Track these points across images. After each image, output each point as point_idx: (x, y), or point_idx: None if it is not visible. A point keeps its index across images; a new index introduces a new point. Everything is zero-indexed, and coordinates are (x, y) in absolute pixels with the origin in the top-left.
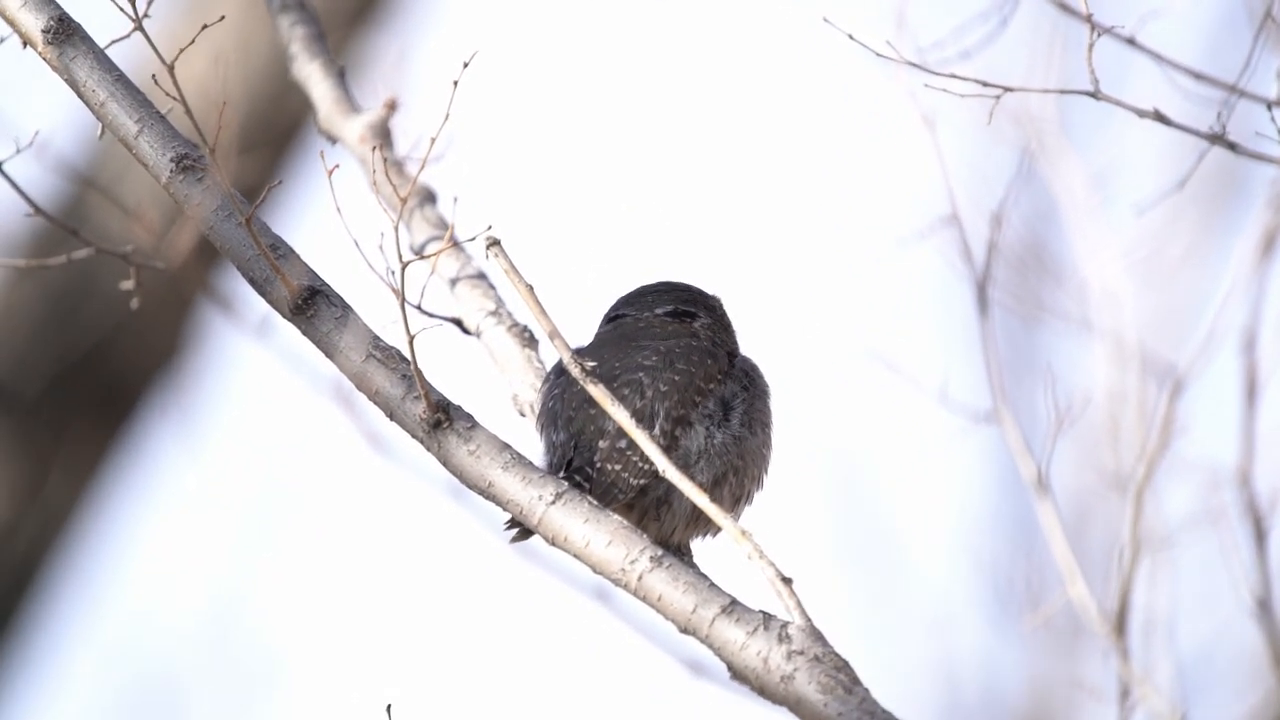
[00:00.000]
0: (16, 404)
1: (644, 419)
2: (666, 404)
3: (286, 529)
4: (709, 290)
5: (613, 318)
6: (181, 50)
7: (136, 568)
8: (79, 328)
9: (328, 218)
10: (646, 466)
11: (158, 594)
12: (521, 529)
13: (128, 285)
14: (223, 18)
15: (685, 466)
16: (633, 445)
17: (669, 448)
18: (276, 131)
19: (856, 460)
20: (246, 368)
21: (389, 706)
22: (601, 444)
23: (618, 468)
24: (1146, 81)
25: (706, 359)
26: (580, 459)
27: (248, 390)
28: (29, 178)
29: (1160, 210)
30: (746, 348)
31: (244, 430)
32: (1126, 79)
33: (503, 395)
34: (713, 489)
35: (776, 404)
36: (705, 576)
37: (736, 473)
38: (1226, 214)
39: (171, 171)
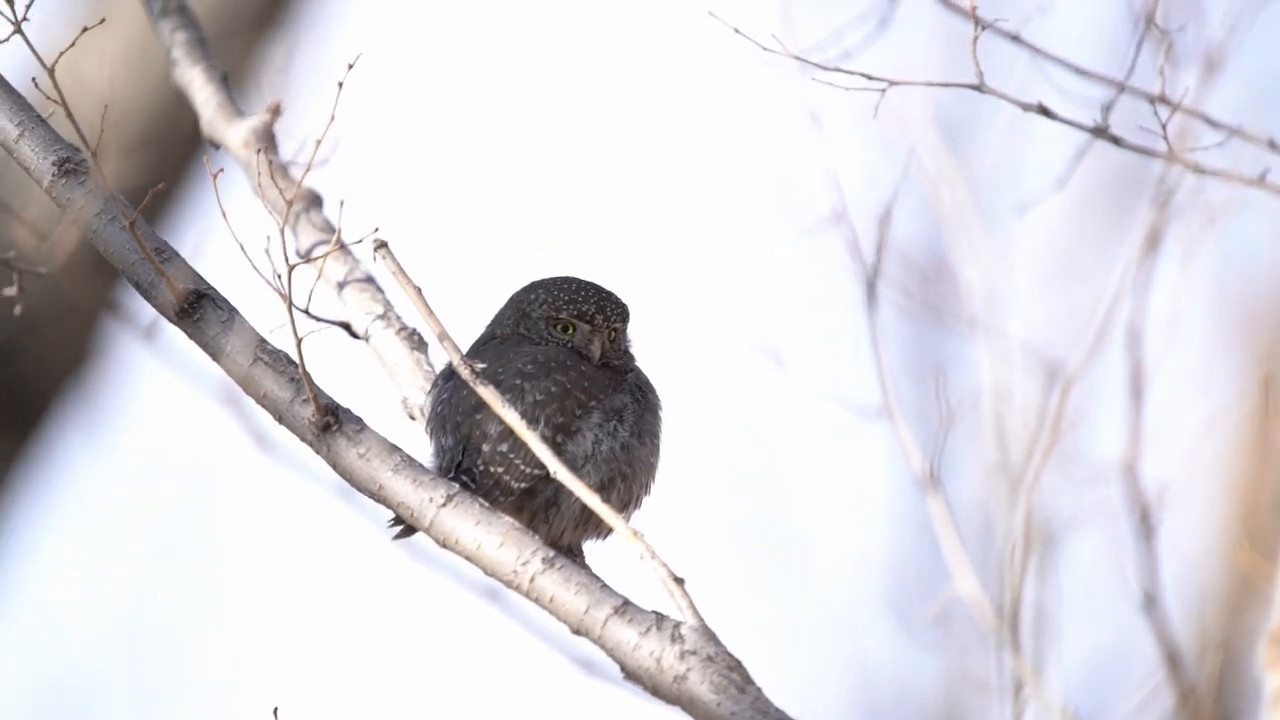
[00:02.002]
0: None
1: (526, 423)
2: (546, 411)
3: (187, 534)
4: (610, 291)
5: (502, 318)
6: (61, 53)
7: (45, 573)
8: None
9: (215, 222)
10: (528, 469)
11: (67, 599)
12: (405, 526)
13: (10, 291)
14: (103, 20)
15: (573, 470)
16: (515, 448)
17: (554, 452)
18: (172, 136)
19: (754, 459)
20: (148, 372)
21: (275, 710)
22: (484, 447)
23: (499, 470)
24: (1035, 81)
25: (584, 376)
26: (468, 461)
27: (150, 394)
28: None
29: (1067, 212)
30: (643, 354)
31: (146, 435)
32: (1019, 80)
33: (392, 398)
34: (600, 493)
35: (670, 417)
36: (597, 578)
37: (624, 479)
38: (1131, 216)
39: (54, 175)
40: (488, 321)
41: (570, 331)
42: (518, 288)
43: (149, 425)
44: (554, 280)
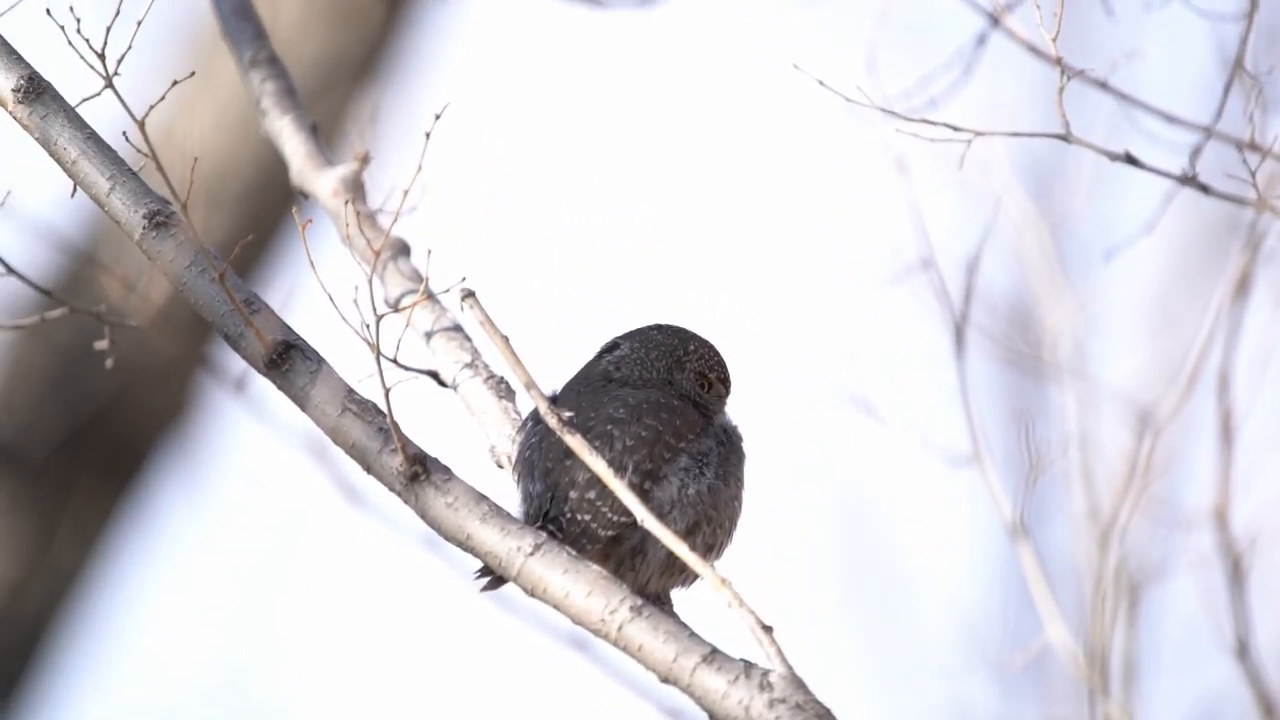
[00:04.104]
0: (24, 465)
1: (614, 471)
2: (635, 457)
3: (282, 587)
4: (696, 334)
5: (645, 361)
6: (151, 106)
7: (143, 627)
8: (87, 388)
9: (304, 273)
10: (615, 517)
11: (164, 653)
12: (494, 577)
13: (102, 345)
14: (192, 74)
15: (659, 516)
16: (602, 495)
17: (641, 499)
18: (266, 190)
19: (844, 507)
20: (240, 425)
21: None
22: (572, 494)
23: (587, 518)
24: (1123, 127)
25: (675, 417)
26: (556, 509)
27: (244, 447)
28: (7, 239)
29: (1158, 258)
30: (735, 407)
31: (240, 488)
32: (1106, 127)
33: (479, 447)
34: (685, 537)
35: (759, 463)
36: (685, 625)
37: (710, 522)
38: (1221, 262)
39: (144, 228)
40: (599, 363)
41: (709, 390)
42: (652, 333)
43: (243, 478)
44: (702, 339)
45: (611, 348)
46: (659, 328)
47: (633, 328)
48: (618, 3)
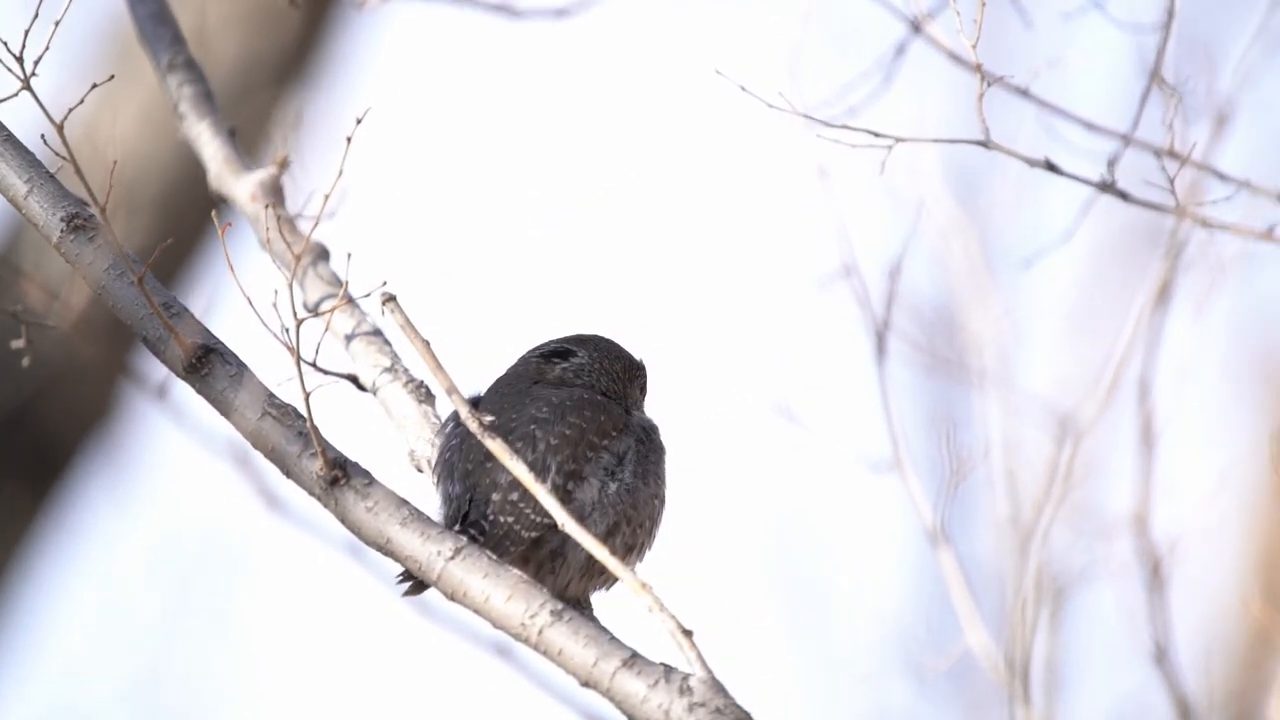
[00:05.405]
0: None
1: (536, 472)
2: (558, 457)
3: (201, 592)
4: (624, 347)
5: (608, 371)
6: (70, 109)
7: (66, 631)
8: (5, 389)
9: (224, 277)
10: (538, 519)
11: (86, 657)
12: (415, 582)
13: (18, 344)
14: (111, 77)
15: (580, 518)
16: (525, 497)
17: (563, 500)
18: (187, 194)
19: (764, 512)
20: (162, 430)
21: None
22: (494, 496)
23: (510, 520)
24: (1044, 136)
25: (599, 414)
26: (476, 512)
27: (166, 452)
28: None
29: (1079, 266)
30: (654, 407)
31: (162, 493)
32: (1028, 135)
33: (399, 451)
34: (605, 539)
35: (679, 468)
36: (606, 630)
37: (629, 522)
38: (1142, 270)
39: (62, 231)
40: (550, 369)
41: (640, 393)
42: (606, 343)
43: (164, 483)
44: (575, 335)
45: (564, 353)
46: (602, 336)
47: (564, 334)
48: (534, 14)
